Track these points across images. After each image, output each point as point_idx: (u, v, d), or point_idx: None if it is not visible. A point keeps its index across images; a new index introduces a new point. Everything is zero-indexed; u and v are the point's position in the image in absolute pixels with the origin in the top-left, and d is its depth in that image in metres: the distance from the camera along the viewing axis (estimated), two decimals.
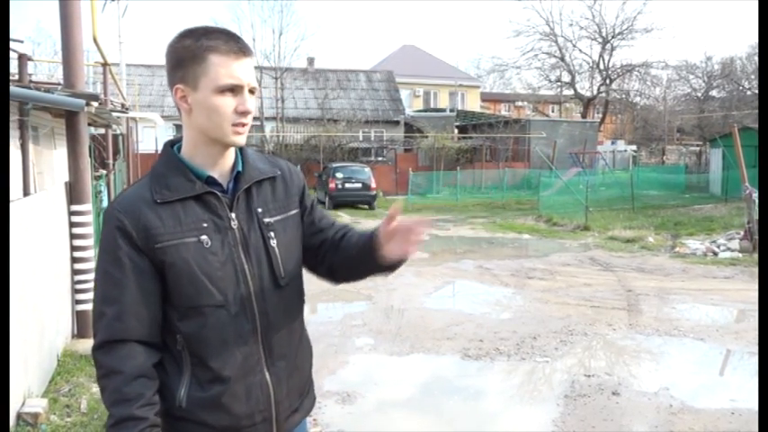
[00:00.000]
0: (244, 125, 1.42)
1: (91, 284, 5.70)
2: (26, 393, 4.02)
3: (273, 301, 1.48)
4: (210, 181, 1.44)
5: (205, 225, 1.41)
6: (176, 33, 1.43)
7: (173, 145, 1.50)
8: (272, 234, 1.49)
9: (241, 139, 1.43)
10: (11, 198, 5.72)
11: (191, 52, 1.37)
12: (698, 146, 32.81)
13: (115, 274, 1.36)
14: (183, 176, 1.42)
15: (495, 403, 4.80)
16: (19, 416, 3.83)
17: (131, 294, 1.36)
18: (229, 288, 1.42)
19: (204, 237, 1.40)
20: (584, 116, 36.76)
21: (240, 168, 1.49)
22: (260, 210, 1.48)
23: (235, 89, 1.38)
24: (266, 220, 1.49)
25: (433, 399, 4.84)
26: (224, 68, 1.37)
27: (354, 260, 1.56)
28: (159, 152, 1.52)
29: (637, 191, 18.89)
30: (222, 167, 1.47)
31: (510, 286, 8.83)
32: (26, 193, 5.81)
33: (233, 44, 1.39)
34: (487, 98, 45.97)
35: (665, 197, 20.85)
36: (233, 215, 1.45)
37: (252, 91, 1.43)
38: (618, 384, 4.99)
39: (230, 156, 1.49)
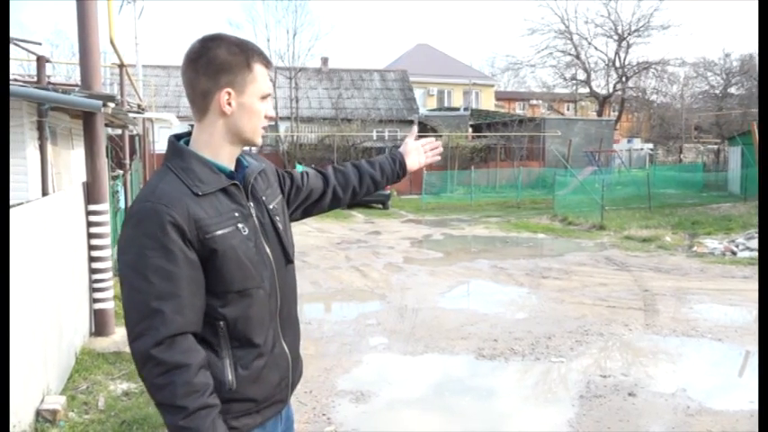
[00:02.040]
0: (265, 128, 1.61)
1: (109, 283, 5.77)
2: (45, 390, 4.07)
3: (285, 278, 1.66)
4: (231, 175, 1.57)
5: (237, 215, 1.53)
6: (206, 39, 1.52)
7: (179, 139, 1.59)
8: (277, 218, 1.67)
9: (261, 140, 1.61)
10: (30, 198, 5.81)
11: (242, 61, 1.51)
12: (716, 144, 32.38)
13: (168, 267, 1.40)
14: (208, 170, 1.52)
15: (509, 403, 4.78)
16: (38, 413, 3.88)
17: (187, 287, 1.42)
18: (262, 270, 1.56)
19: (240, 225, 1.52)
20: (599, 114, 36.42)
21: (246, 164, 1.65)
22: (264, 198, 1.65)
23: (267, 97, 1.58)
24: (270, 206, 1.66)
25: (447, 398, 4.83)
26: (266, 79, 1.57)
27: (372, 179, 1.97)
28: (168, 146, 1.57)
29: (653, 190, 18.68)
30: (234, 164, 1.62)
31: (525, 286, 8.79)
32: (45, 192, 5.89)
33: (267, 57, 1.59)
34: (502, 97, 45.76)
35: (682, 196, 20.58)
36: (251, 204, 1.59)
37: None
38: (634, 385, 4.95)
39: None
